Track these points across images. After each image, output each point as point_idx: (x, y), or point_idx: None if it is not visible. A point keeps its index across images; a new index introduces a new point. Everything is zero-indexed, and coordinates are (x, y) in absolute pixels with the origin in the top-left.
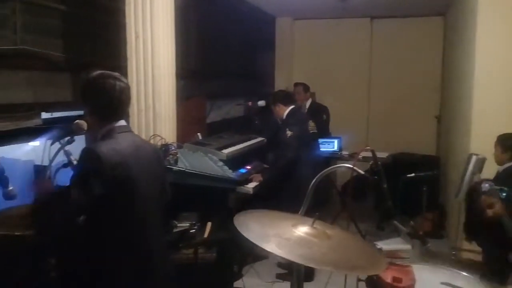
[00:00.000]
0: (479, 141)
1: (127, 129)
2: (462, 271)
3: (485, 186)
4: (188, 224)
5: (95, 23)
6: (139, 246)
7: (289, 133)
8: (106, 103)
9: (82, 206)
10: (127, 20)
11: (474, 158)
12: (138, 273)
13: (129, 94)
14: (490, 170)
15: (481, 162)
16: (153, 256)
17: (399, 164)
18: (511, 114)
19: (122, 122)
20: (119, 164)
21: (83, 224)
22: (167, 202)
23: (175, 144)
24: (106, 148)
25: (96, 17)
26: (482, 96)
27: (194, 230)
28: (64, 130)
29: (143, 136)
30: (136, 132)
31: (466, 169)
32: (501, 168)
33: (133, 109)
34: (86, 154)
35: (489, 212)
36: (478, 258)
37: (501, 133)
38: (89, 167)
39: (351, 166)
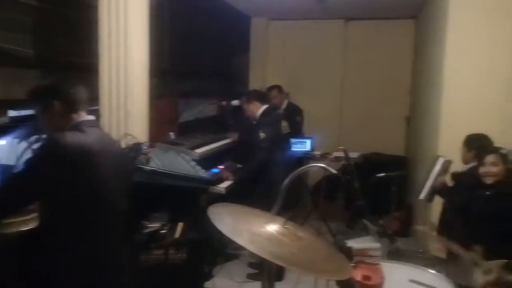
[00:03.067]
0: (447, 142)
1: (95, 125)
2: (429, 269)
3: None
4: (158, 225)
5: (67, 19)
6: (100, 242)
7: (262, 135)
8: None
9: (30, 188)
10: (100, 16)
11: (441, 159)
12: (96, 270)
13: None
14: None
15: (447, 164)
16: (112, 254)
17: (370, 164)
18: (478, 116)
19: (91, 117)
20: (83, 156)
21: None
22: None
23: (147, 144)
24: (71, 138)
25: (68, 13)
26: (450, 99)
27: (164, 231)
28: (32, 128)
29: (114, 135)
30: (107, 131)
31: (432, 170)
32: (466, 167)
33: (104, 107)
34: (49, 140)
35: (489, 179)
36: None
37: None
38: (49, 152)
39: (324, 165)
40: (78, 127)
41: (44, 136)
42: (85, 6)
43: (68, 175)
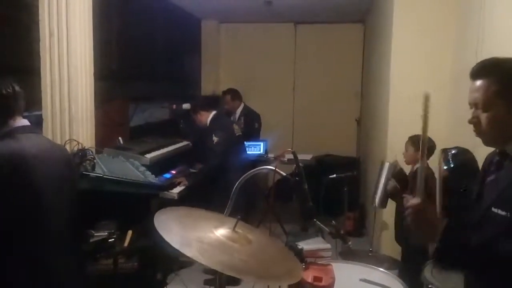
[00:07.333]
0: (395, 143)
1: (31, 130)
2: (380, 267)
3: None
4: (106, 233)
5: (5, 19)
6: (41, 257)
7: (215, 139)
8: None
9: None
10: (40, 17)
11: (387, 164)
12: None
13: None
14: None
15: (393, 167)
16: (57, 269)
17: (322, 165)
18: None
19: (25, 122)
20: (19, 166)
21: None
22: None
23: (93, 149)
24: (5, 148)
25: (6, 12)
26: (397, 101)
27: (113, 239)
28: None
29: (58, 141)
30: (50, 137)
31: (380, 176)
32: (415, 167)
33: (47, 111)
34: None
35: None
36: (395, 255)
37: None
38: None
39: (273, 167)
40: (10, 134)
41: None
42: (25, 5)
43: (4, 184)
